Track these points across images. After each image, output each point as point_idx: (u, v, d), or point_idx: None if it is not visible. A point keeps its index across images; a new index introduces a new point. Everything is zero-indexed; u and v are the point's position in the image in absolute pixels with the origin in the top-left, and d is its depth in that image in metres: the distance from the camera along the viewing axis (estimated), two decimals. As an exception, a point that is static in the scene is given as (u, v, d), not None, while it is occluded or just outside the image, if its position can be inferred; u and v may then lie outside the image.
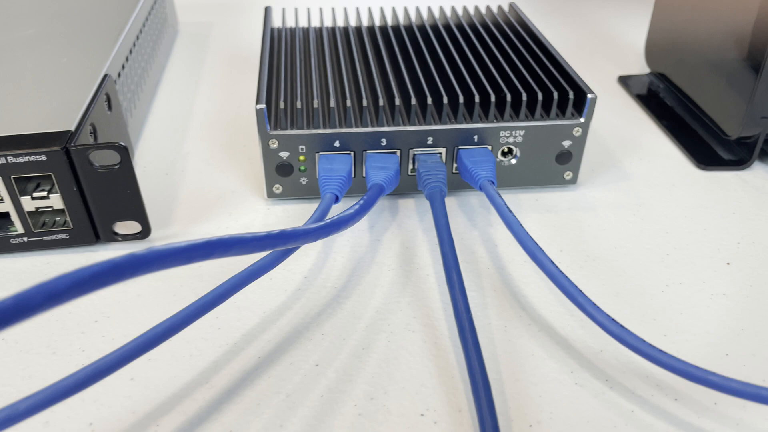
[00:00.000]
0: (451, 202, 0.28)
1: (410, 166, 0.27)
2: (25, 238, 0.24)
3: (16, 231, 0.24)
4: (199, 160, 0.31)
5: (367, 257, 0.25)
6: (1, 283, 0.23)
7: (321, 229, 0.20)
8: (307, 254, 0.25)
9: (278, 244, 0.18)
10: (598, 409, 0.19)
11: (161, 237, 0.25)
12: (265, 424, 0.18)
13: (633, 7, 0.51)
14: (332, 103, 0.26)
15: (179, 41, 0.44)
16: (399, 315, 0.22)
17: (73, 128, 0.23)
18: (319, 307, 0.22)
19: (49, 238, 0.24)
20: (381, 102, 0.26)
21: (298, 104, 0.25)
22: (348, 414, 0.19)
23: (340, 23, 0.34)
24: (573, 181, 0.28)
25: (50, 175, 0.22)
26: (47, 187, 0.23)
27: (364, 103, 0.26)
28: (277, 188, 0.27)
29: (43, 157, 0.22)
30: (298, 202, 0.28)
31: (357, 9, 0.34)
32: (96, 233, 0.24)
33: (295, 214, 0.27)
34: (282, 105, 0.25)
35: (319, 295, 0.23)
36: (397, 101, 0.26)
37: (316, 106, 0.25)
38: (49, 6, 0.34)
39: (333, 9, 0.36)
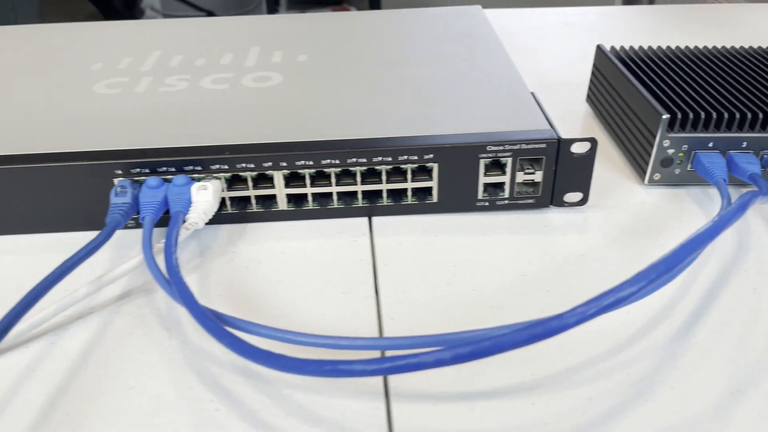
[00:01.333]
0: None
1: (756, 163, 0.36)
2: (506, 201, 0.35)
3: (504, 195, 0.35)
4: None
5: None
6: (511, 229, 0.34)
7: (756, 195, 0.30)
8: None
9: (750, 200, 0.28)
10: None
11: (586, 206, 0.36)
12: (717, 314, 0.28)
13: None
14: (714, 115, 0.35)
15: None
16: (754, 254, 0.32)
17: (548, 126, 0.34)
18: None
19: (521, 201, 0.35)
20: (749, 116, 0.35)
21: (690, 115, 0.35)
22: (794, 318, 0.28)
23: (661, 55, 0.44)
24: None
25: (541, 158, 0.33)
26: (530, 166, 0.34)
27: (737, 116, 0.35)
28: (656, 176, 0.37)
29: (543, 145, 0.33)
30: (669, 187, 0.38)
31: (652, 46, 0.44)
32: (551, 200, 0.35)
33: (668, 195, 0.37)
34: (679, 115, 0.35)
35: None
36: (760, 115, 0.35)
37: (703, 116, 0.35)
38: (446, 52, 0.46)
39: (645, 46, 0.47)
